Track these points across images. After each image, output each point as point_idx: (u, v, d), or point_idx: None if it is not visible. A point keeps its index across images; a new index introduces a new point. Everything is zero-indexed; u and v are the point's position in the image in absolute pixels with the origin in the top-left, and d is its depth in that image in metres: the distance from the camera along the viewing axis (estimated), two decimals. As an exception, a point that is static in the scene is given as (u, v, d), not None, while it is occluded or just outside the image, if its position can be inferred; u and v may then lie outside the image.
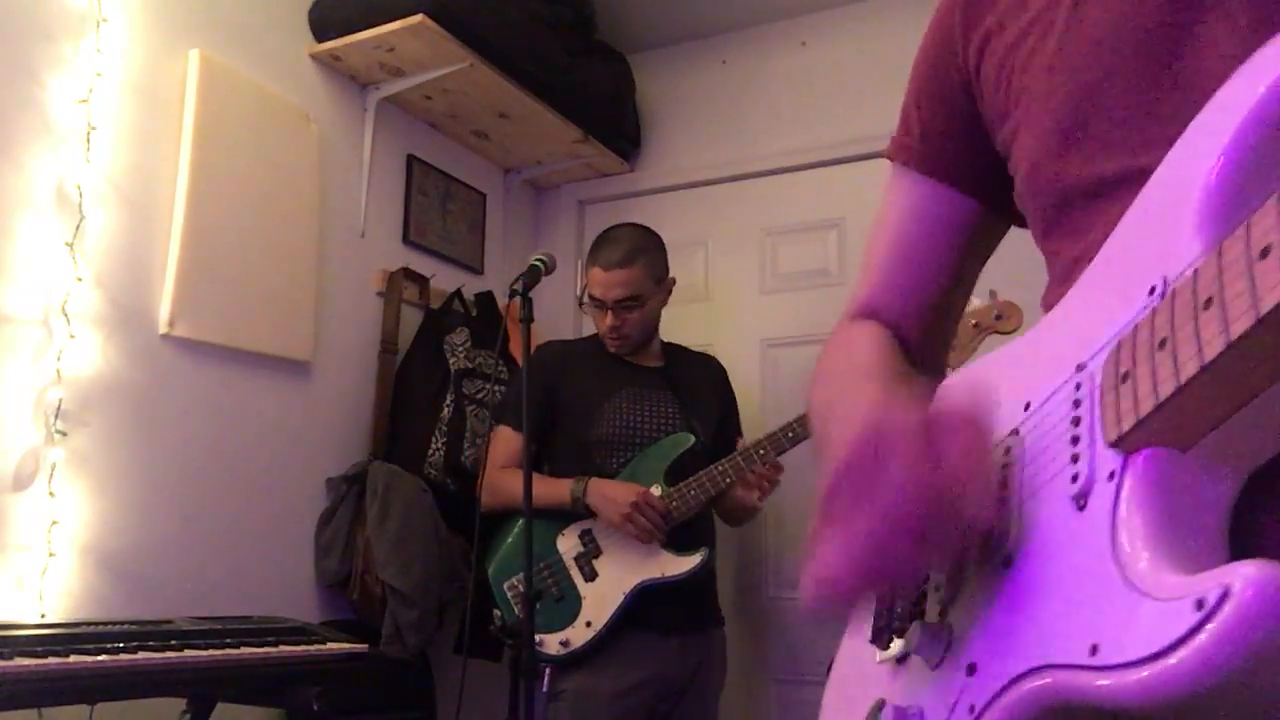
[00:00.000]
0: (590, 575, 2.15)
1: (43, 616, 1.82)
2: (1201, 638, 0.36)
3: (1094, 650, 0.41)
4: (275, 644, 1.69)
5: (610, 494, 2.13)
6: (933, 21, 0.79)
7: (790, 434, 2.17)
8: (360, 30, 2.48)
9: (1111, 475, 0.45)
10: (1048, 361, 0.56)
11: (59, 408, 1.90)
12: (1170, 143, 0.51)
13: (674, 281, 2.39)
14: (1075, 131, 0.61)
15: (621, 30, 3.19)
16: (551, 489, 2.15)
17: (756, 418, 2.63)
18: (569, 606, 2.13)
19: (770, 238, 3.08)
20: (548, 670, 2.05)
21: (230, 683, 1.66)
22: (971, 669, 0.51)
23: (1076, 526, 0.47)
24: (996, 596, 0.52)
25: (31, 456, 1.86)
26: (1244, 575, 0.35)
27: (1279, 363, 0.39)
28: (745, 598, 2.87)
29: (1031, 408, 0.56)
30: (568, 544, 2.18)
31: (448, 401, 2.60)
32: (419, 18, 2.39)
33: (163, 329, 2.10)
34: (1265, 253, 0.37)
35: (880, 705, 0.59)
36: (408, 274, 2.75)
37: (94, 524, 1.95)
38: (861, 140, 2.80)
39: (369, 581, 2.35)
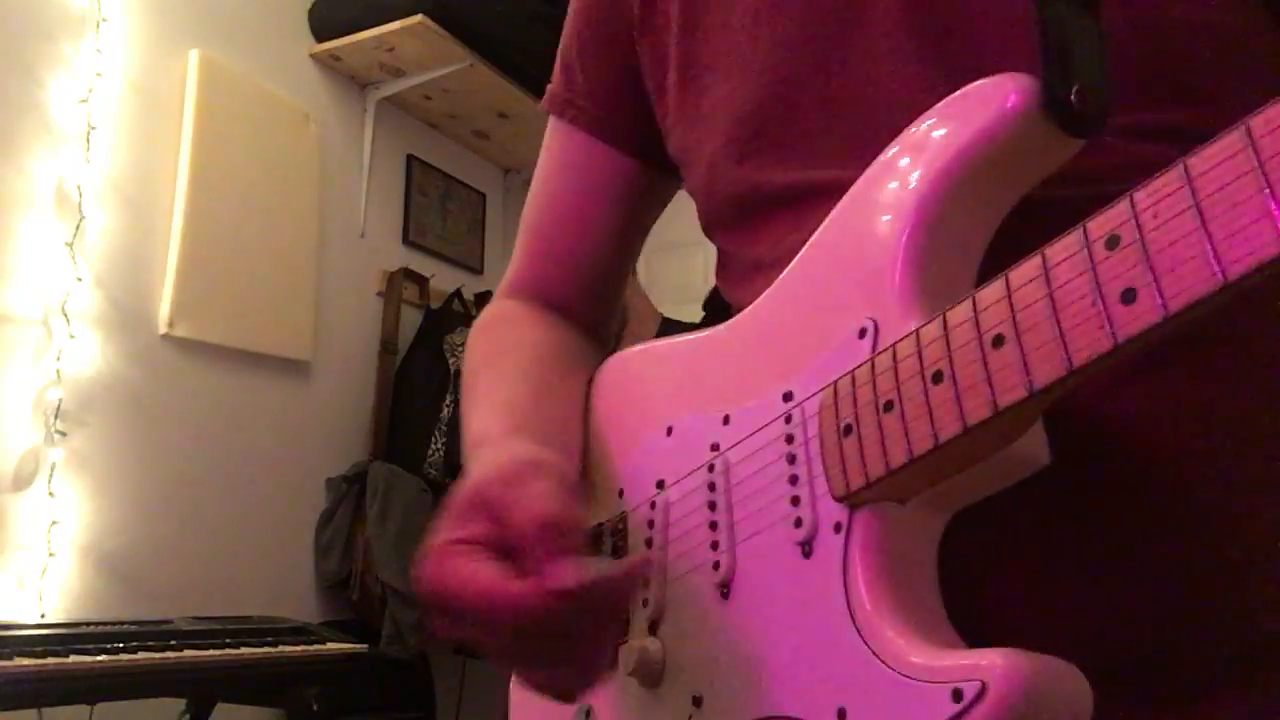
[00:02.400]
0: None
1: (43, 616, 1.82)
2: None
3: (842, 715, 0.42)
4: (275, 644, 1.69)
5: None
6: None
7: None
8: (360, 30, 2.48)
9: (838, 528, 0.45)
10: (745, 376, 0.54)
11: (59, 408, 1.90)
12: (848, 158, 0.51)
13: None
14: (755, 140, 0.59)
15: (621, 30, 3.19)
16: None
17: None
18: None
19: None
20: None
21: (230, 683, 1.66)
22: (698, 701, 0.51)
23: (803, 574, 0.46)
24: (716, 628, 0.51)
25: (31, 456, 1.87)
26: (998, 668, 0.37)
27: (1003, 438, 0.40)
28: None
29: (733, 423, 0.53)
30: None
31: (448, 401, 2.60)
32: (419, 18, 2.39)
33: (163, 329, 2.10)
34: (998, 342, 0.38)
35: (588, 712, 0.58)
36: (408, 274, 2.75)
37: (94, 524, 1.95)
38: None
39: (369, 581, 2.35)
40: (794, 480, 0.48)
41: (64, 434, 1.90)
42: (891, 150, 0.48)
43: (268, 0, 2.47)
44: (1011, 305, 0.38)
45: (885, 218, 0.46)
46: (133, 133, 2.10)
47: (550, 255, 0.76)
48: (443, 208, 2.98)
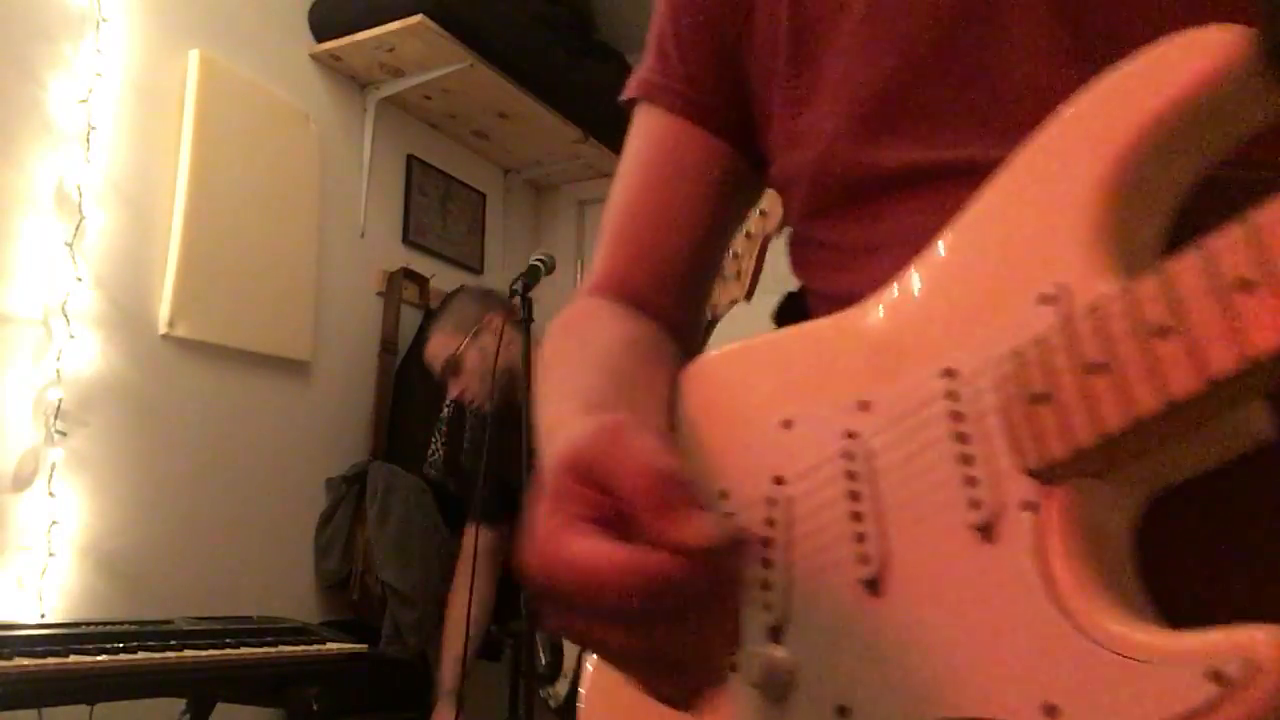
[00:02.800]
0: None
1: (43, 616, 1.82)
2: (1223, 716, 0.32)
3: (1052, 711, 0.37)
4: (275, 644, 1.69)
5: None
6: None
7: None
8: (360, 30, 2.48)
9: (1029, 506, 0.41)
10: (885, 358, 0.49)
11: (59, 408, 1.90)
12: (987, 138, 0.50)
13: (504, 317, 2.12)
14: (879, 119, 0.57)
15: (621, 30, 3.19)
16: None
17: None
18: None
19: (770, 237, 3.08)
20: None
21: (230, 683, 1.66)
22: (844, 712, 0.46)
23: (984, 560, 0.42)
24: (864, 629, 0.46)
25: (31, 456, 1.87)
26: (1266, 644, 0.32)
27: (1237, 399, 0.37)
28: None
29: (875, 408, 0.49)
30: None
31: (447, 401, 2.60)
32: (419, 18, 2.39)
33: (163, 329, 2.10)
34: (1247, 286, 0.34)
35: None
36: (408, 274, 2.75)
37: (94, 524, 1.95)
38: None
39: (369, 581, 2.35)
40: (966, 460, 0.43)
41: (64, 434, 1.90)
42: (1070, 110, 0.44)
43: (268, 0, 2.47)
44: (1262, 246, 0.34)
45: (1072, 177, 0.42)
46: (133, 133, 2.10)
47: (637, 251, 0.71)
48: (443, 208, 2.98)
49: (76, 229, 1.95)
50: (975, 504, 0.42)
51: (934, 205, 0.51)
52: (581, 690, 0.63)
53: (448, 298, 2.40)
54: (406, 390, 2.65)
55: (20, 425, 1.86)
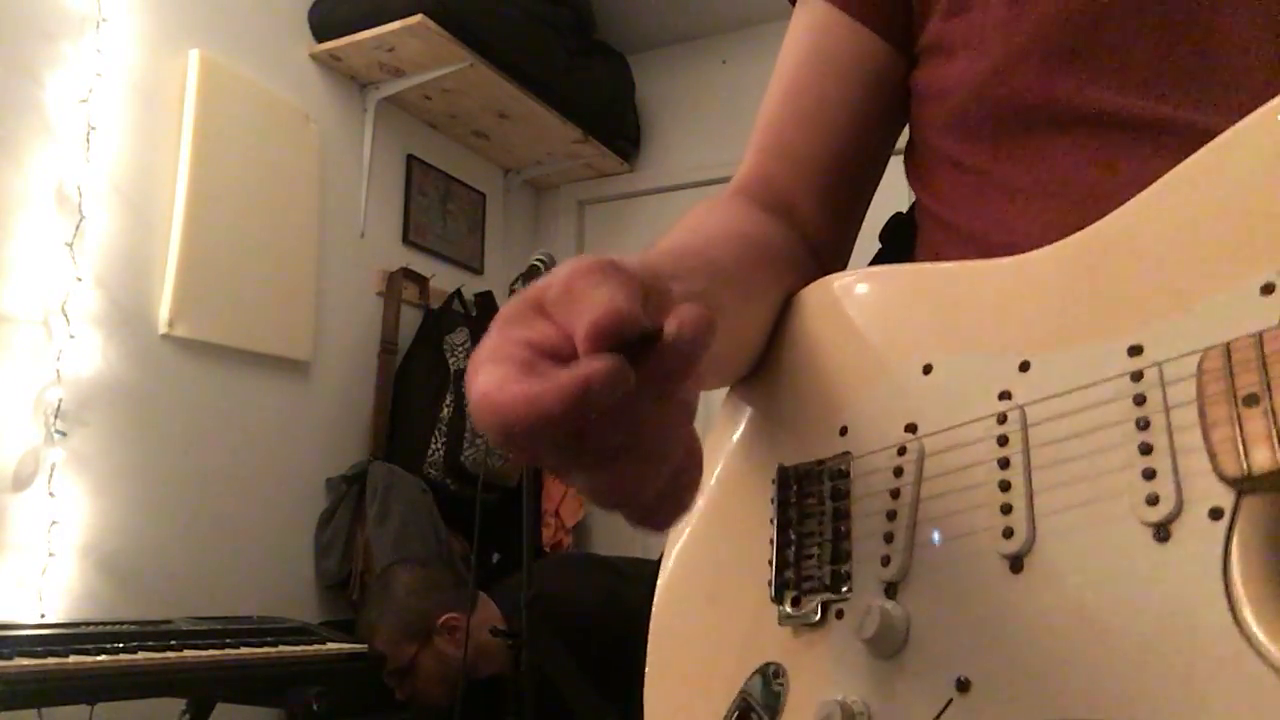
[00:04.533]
0: None
1: (43, 616, 1.82)
2: None
3: None
4: (275, 644, 1.69)
5: None
6: None
7: None
8: (360, 30, 2.48)
9: (1217, 513, 0.37)
10: (1058, 320, 0.45)
11: (59, 408, 1.90)
12: (1190, 99, 0.46)
13: (455, 619, 1.87)
14: (1066, 47, 0.52)
15: (621, 30, 3.19)
16: None
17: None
18: None
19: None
20: None
21: (230, 683, 1.66)
22: (964, 685, 0.43)
23: (1154, 560, 0.39)
24: (1000, 605, 0.43)
25: (31, 456, 1.86)
26: None
27: None
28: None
29: (1038, 371, 0.45)
30: None
31: (448, 401, 2.60)
32: (419, 18, 2.39)
33: (163, 329, 2.10)
34: None
35: (776, 671, 0.51)
36: (408, 274, 2.75)
37: (94, 524, 1.95)
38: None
39: (369, 581, 2.35)
40: (1146, 450, 0.40)
41: (64, 434, 1.90)
42: None
43: (268, 0, 2.47)
44: None
45: None
46: (133, 133, 2.10)
47: (784, 149, 0.65)
48: (443, 208, 2.98)
49: (76, 229, 1.95)
50: (1153, 500, 0.39)
51: (1108, 157, 0.48)
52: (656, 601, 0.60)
53: (386, 578, 1.99)
54: (406, 390, 2.65)
55: (20, 425, 1.86)
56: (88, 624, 1.66)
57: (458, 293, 2.83)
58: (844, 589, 0.50)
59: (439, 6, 2.42)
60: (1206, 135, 0.43)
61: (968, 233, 0.55)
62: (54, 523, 1.86)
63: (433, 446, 2.57)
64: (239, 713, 1.84)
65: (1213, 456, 0.38)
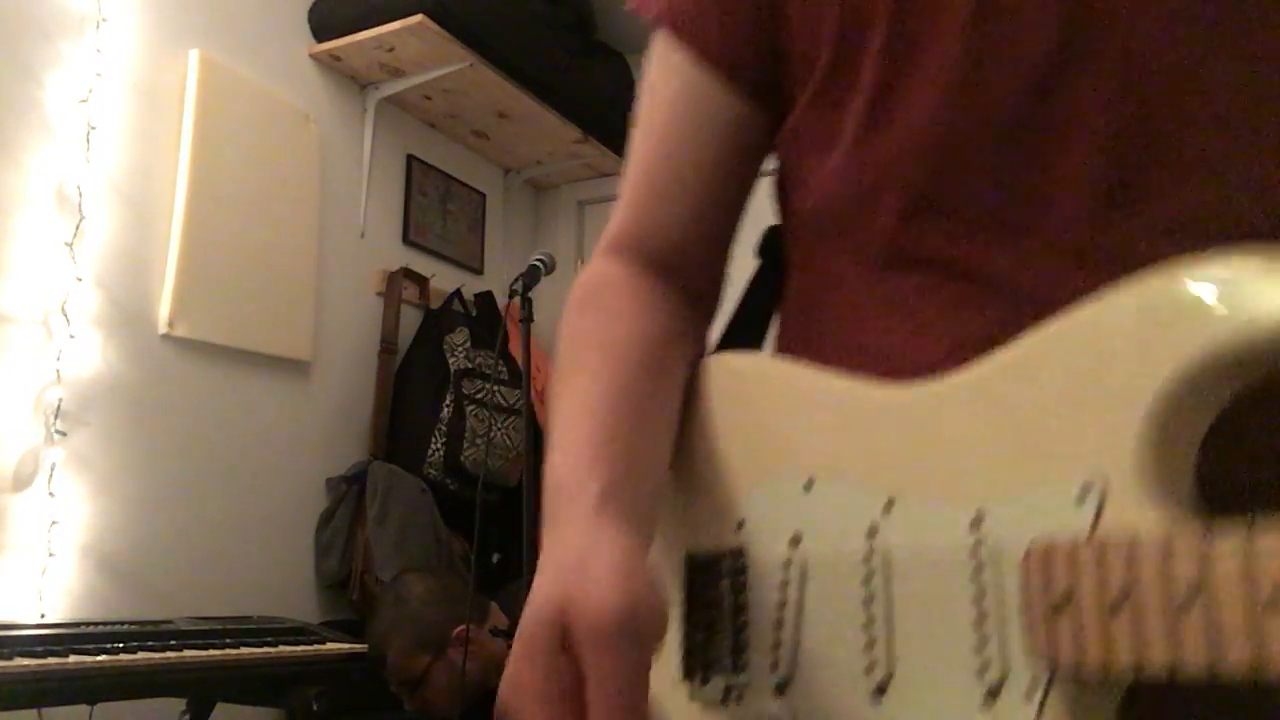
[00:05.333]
0: None
1: (43, 616, 1.82)
2: None
3: None
4: (275, 644, 1.69)
5: None
6: None
7: None
8: (360, 30, 2.48)
9: (1033, 685, 0.41)
10: (920, 465, 0.48)
11: (59, 408, 1.90)
12: (1016, 257, 0.49)
13: (467, 630, 1.85)
14: (913, 189, 0.53)
15: (621, 30, 3.19)
16: None
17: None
18: None
19: (770, 238, 3.08)
20: None
21: (230, 683, 1.66)
22: None
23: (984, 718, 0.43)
24: None
25: (31, 456, 1.86)
26: None
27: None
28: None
29: (900, 514, 0.48)
30: None
31: (447, 401, 2.60)
32: (419, 18, 2.39)
33: (163, 329, 2.10)
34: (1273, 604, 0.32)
35: None
36: (408, 274, 2.75)
37: (94, 524, 1.95)
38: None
39: (369, 581, 2.35)
40: (983, 617, 0.43)
41: (64, 434, 1.90)
42: (1136, 300, 0.40)
43: (268, 0, 2.47)
44: None
45: (1131, 373, 0.40)
46: (133, 133, 2.10)
47: (656, 210, 0.66)
48: (443, 208, 2.98)
49: (76, 229, 1.95)
50: (985, 665, 0.43)
51: (947, 301, 0.50)
52: None
53: (398, 588, 2.01)
54: (406, 390, 2.64)
55: (20, 425, 1.86)
56: (88, 624, 1.66)
57: (458, 293, 2.83)
58: (742, 676, 0.54)
59: (439, 6, 2.42)
60: (1027, 299, 0.47)
61: (819, 322, 0.59)
62: (54, 523, 1.86)
63: (433, 446, 2.57)
64: (239, 713, 1.84)
65: (1031, 639, 0.41)
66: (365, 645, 1.83)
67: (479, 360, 2.69)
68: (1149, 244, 0.47)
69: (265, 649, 1.66)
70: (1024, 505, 0.43)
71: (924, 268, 0.53)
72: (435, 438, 2.58)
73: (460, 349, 2.68)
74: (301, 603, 2.36)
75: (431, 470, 2.55)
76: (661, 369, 0.61)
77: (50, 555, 1.85)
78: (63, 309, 1.92)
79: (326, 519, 2.44)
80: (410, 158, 2.87)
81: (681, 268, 0.66)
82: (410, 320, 2.74)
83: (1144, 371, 0.39)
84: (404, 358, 2.69)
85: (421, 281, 2.81)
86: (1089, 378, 0.42)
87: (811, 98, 0.59)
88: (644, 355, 0.61)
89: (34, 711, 1.66)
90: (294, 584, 2.38)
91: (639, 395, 0.58)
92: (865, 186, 0.55)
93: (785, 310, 0.67)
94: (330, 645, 1.76)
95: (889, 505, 0.49)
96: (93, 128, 1.99)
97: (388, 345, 2.66)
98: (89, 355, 1.97)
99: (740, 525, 0.56)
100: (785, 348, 0.65)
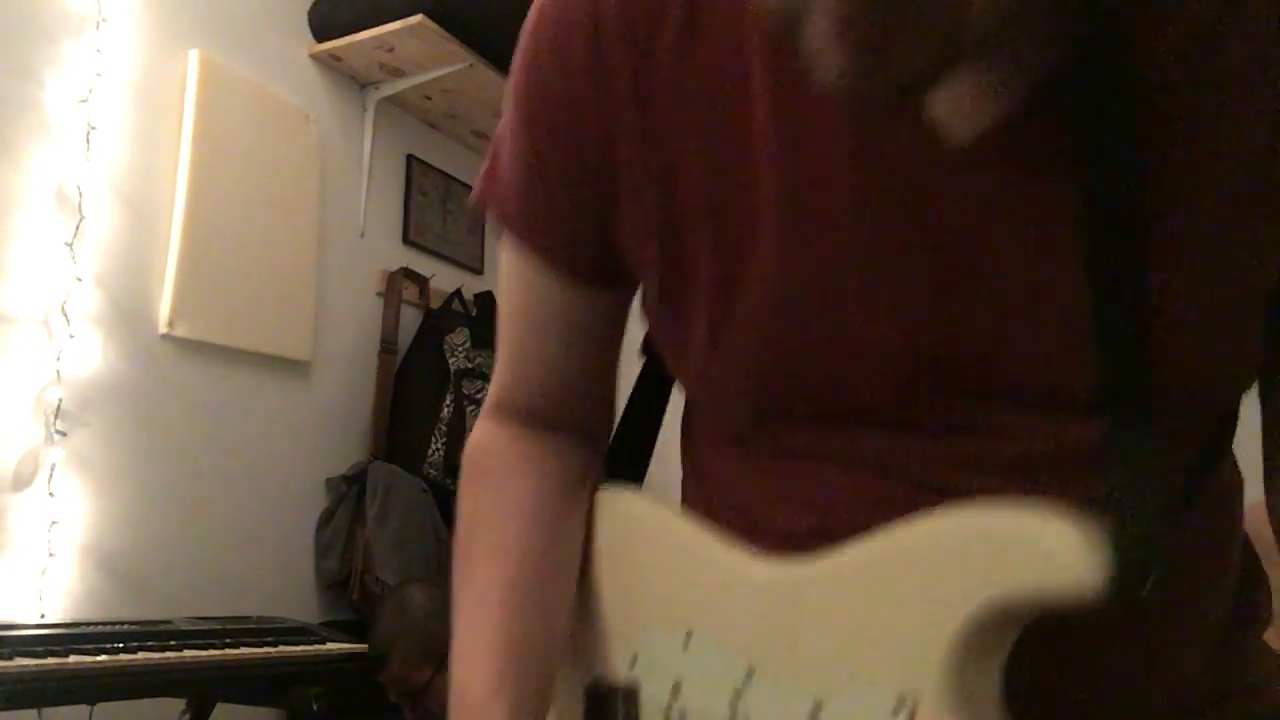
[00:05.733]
0: None
1: (42, 616, 1.82)
2: None
3: None
4: (275, 644, 1.69)
5: None
6: (553, 45, 0.61)
7: None
8: (360, 30, 2.48)
9: None
10: (772, 643, 0.50)
11: (59, 408, 1.90)
12: (877, 440, 0.50)
13: None
14: (771, 403, 0.54)
15: (621, 30, 3.19)
16: None
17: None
18: None
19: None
20: None
21: (230, 683, 1.66)
22: None
23: None
24: None
25: (31, 456, 1.86)
26: None
27: None
28: None
29: (754, 693, 0.50)
30: None
31: (447, 401, 2.60)
32: (419, 18, 2.39)
33: (163, 329, 2.10)
34: None
35: None
36: (407, 274, 2.75)
37: (94, 524, 1.95)
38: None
39: (369, 581, 2.35)
40: None
41: (64, 434, 1.90)
42: (963, 518, 0.43)
43: (268, 0, 2.47)
44: None
45: (944, 592, 0.43)
46: (133, 133, 2.10)
47: (531, 382, 0.67)
48: (443, 208, 2.98)
49: (76, 229, 1.95)
50: None
51: (816, 482, 0.52)
52: None
53: (401, 598, 1.99)
54: (406, 390, 2.65)
55: (20, 425, 1.86)
56: (88, 624, 1.66)
57: (458, 293, 2.83)
58: None
59: (439, 6, 2.42)
60: (896, 471, 0.49)
61: (702, 467, 0.62)
62: (54, 523, 1.86)
63: (433, 446, 2.57)
64: (239, 713, 1.84)
65: None
66: (365, 645, 1.83)
67: (479, 360, 2.69)
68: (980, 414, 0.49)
69: (265, 649, 1.66)
70: (855, 702, 0.45)
71: (783, 455, 0.55)
72: (435, 438, 2.58)
73: (460, 349, 2.68)
74: (301, 603, 2.36)
75: (431, 470, 2.55)
76: (557, 521, 0.63)
77: (50, 555, 1.85)
78: (63, 309, 1.92)
79: (326, 519, 2.44)
80: (410, 158, 2.87)
81: (565, 418, 0.68)
82: (410, 320, 2.74)
83: (950, 600, 0.42)
84: (404, 358, 2.69)
85: (421, 281, 2.81)
86: (911, 595, 0.45)
87: (657, 302, 0.58)
88: (536, 519, 0.63)
89: (34, 711, 1.66)
90: (294, 584, 2.38)
91: (533, 580, 0.61)
92: (717, 395, 0.57)
93: (684, 420, 0.67)
94: (330, 645, 1.76)
95: (749, 675, 0.51)
96: (92, 128, 1.99)
97: (388, 345, 2.66)
98: (89, 355, 1.97)
99: (634, 662, 0.59)
100: (687, 456, 0.66)
